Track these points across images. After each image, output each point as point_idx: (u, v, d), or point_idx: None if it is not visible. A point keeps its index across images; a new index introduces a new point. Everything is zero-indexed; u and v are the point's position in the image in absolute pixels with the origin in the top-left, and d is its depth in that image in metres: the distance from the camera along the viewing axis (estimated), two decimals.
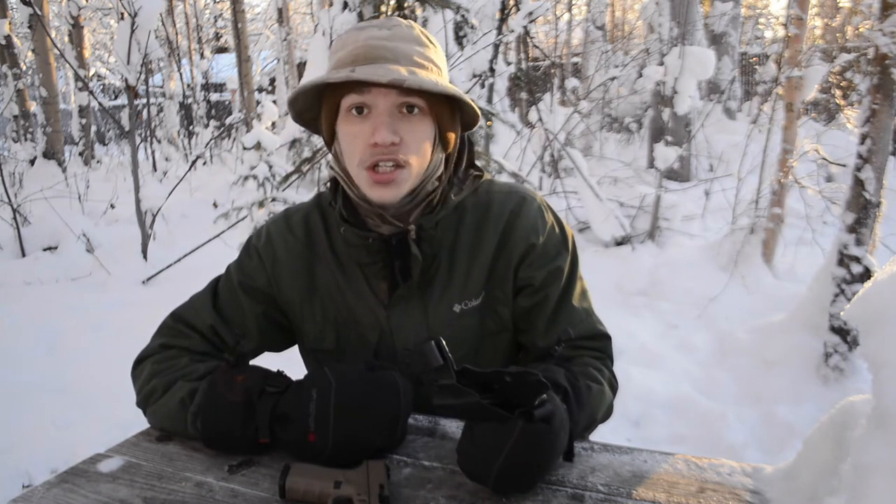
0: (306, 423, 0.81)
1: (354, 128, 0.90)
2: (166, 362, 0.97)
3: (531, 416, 0.71)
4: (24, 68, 8.11)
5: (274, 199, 4.20)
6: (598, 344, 1.02)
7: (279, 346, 1.09)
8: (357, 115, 0.89)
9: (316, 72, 4.03)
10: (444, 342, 0.74)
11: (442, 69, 0.95)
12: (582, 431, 0.92)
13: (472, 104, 0.93)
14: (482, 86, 4.31)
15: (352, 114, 0.90)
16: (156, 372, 0.96)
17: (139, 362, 1.00)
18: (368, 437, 0.81)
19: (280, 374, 0.91)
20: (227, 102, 14.56)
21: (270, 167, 4.56)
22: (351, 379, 0.83)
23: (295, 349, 1.12)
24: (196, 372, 0.94)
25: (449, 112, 0.94)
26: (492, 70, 4.26)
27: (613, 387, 1.00)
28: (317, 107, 0.96)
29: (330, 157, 1.00)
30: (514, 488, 0.75)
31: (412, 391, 0.86)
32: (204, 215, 5.54)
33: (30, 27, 7.65)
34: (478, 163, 1.05)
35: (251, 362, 1.02)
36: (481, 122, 1.00)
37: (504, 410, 0.72)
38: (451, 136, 0.96)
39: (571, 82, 6.87)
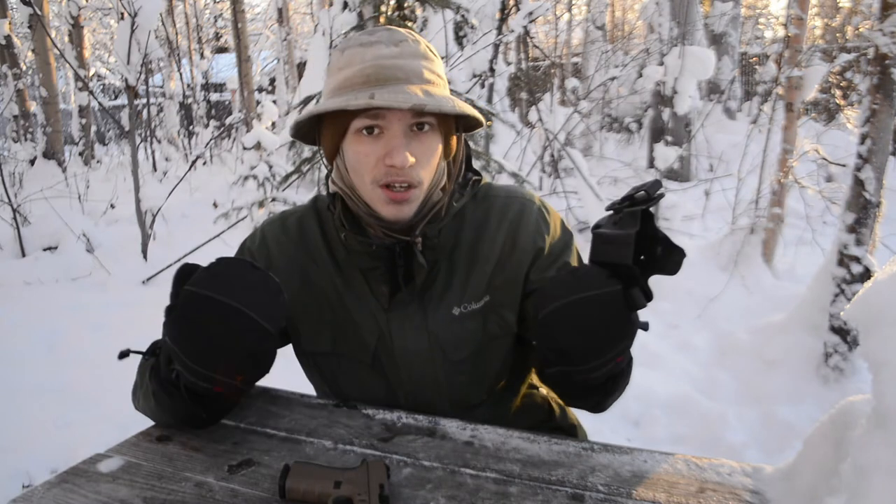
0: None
1: (366, 147, 0.89)
2: (149, 361, 0.98)
3: (646, 292, 0.74)
4: (24, 68, 8.10)
5: (274, 199, 4.21)
6: None
7: None
8: (368, 134, 0.89)
9: (316, 73, 4.02)
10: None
11: (444, 81, 0.95)
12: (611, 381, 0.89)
13: (480, 118, 0.94)
14: (482, 86, 4.31)
15: (362, 133, 0.89)
16: (140, 369, 0.97)
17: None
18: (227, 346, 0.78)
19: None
20: (227, 102, 14.54)
21: (270, 167, 4.57)
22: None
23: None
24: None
25: (454, 121, 0.95)
26: (492, 70, 4.26)
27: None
28: (315, 122, 0.96)
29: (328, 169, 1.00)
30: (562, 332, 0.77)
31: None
32: (204, 215, 5.54)
33: (30, 27, 7.64)
34: (477, 163, 1.05)
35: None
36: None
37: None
38: (454, 143, 0.97)
39: (571, 82, 6.85)
